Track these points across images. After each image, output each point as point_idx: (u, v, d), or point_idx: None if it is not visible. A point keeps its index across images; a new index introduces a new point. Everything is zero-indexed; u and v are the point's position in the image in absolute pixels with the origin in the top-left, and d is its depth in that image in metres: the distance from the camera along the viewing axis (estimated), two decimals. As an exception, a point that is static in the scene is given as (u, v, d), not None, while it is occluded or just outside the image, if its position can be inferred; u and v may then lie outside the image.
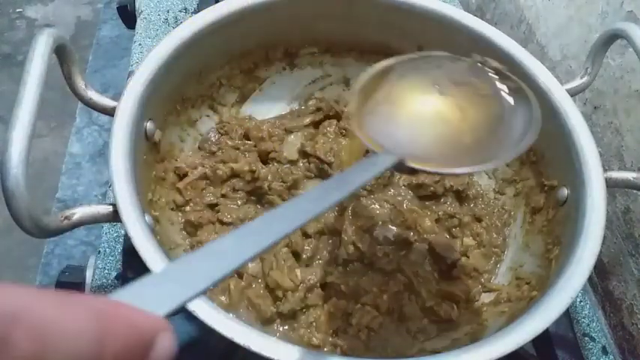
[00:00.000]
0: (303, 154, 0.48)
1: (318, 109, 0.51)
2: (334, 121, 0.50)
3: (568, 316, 0.43)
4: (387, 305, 0.40)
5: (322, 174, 0.47)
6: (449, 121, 0.35)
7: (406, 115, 0.35)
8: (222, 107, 0.49)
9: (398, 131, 0.34)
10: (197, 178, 0.44)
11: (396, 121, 0.35)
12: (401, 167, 0.31)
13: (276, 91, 0.51)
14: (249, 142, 0.47)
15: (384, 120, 0.35)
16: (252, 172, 0.44)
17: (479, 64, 0.37)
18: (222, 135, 0.48)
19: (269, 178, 0.45)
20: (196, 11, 0.62)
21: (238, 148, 0.47)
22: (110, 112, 0.37)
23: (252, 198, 0.45)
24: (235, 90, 0.49)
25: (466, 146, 0.34)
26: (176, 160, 0.44)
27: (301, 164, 0.47)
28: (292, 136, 0.49)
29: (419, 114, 0.36)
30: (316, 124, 0.51)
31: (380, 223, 0.45)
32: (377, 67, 0.36)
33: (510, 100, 0.35)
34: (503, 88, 0.36)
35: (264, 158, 0.47)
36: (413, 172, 0.33)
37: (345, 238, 0.43)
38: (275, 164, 0.47)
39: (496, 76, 0.36)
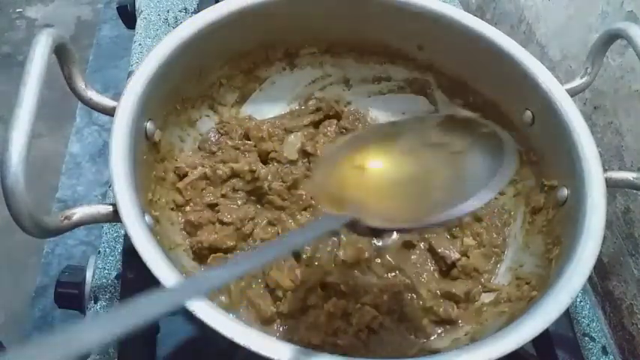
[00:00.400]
0: (304, 153, 0.48)
1: (318, 109, 0.51)
2: (334, 121, 0.50)
3: (568, 316, 0.43)
4: (387, 305, 0.40)
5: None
6: (418, 181, 0.35)
7: (370, 179, 0.35)
8: (222, 107, 0.49)
9: (361, 194, 0.34)
10: (197, 178, 0.44)
11: (360, 185, 0.35)
12: (358, 228, 0.32)
13: (276, 91, 0.51)
14: (249, 142, 0.47)
15: (347, 184, 0.35)
16: (253, 172, 0.44)
17: (449, 118, 0.37)
18: (222, 135, 0.48)
19: (269, 178, 0.45)
20: (196, 11, 0.62)
21: (238, 148, 0.47)
22: (110, 112, 0.37)
23: (252, 198, 0.45)
24: (235, 90, 0.49)
25: (437, 201, 0.33)
26: (176, 160, 0.44)
27: (301, 164, 0.47)
28: (292, 136, 0.49)
29: (385, 177, 0.35)
30: (316, 124, 0.51)
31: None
32: (345, 138, 0.37)
33: (485, 147, 0.34)
34: (475, 137, 0.35)
35: (264, 158, 0.47)
36: (376, 232, 0.33)
37: (345, 238, 0.43)
38: (275, 164, 0.47)
39: (468, 126, 0.36)
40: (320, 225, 0.32)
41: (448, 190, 0.34)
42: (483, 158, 0.34)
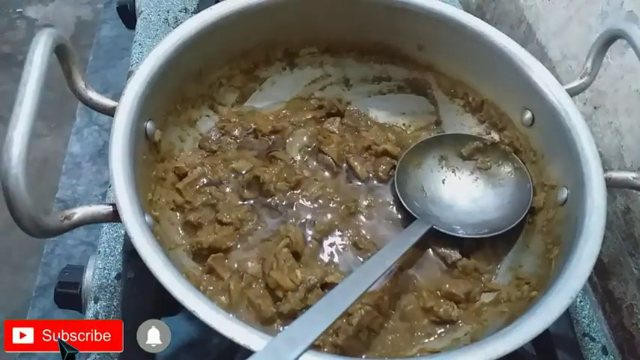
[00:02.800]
0: (307, 151, 0.48)
1: (320, 107, 0.51)
2: (337, 119, 0.50)
3: (568, 316, 0.43)
4: (388, 305, 0.40)
5: (327, 171, 0.47)
6: (472, 202, 0.46)
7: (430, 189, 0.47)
8: (222, 107, 0.49)
9: (426, 202, 0.46)
10: (197, 178, 0.44)
11: (424, 194, 0.46)
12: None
13: (276, 91, 0.51)
14: (250, 140, 0.47)
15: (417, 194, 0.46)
16: (257, 177, 0.44)
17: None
18: (222, 135, 0.48)
19: (273, 179, 0.45)
20: (196, 11, 0.61)
21: (239, 148, 0.47)
22: (110, 112, 0.37)
23: (251, 201, 0.45)
24: (235, 90, 0.49)
25: (482, 220, 0.44)
26: (176, 160, 0.44)
27: (305, 163, 0.47)
28: (296, 134, 0.49)
29: (439, 188, 0.47)
30: (318, 120, 0.51)
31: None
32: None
33: (506, 172, 0.46)
34: (511, 169, 0.46)
35: (267, 156, 0.47)
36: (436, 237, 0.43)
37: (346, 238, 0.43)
38: (278, 162, 0.47)
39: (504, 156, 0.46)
40: (409, 235, 0.40)
41: (488, 212, 0.45)
42: (512, 190, 0.45)
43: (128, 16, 0.64)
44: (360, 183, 0.47)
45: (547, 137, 0.43)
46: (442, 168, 0.48)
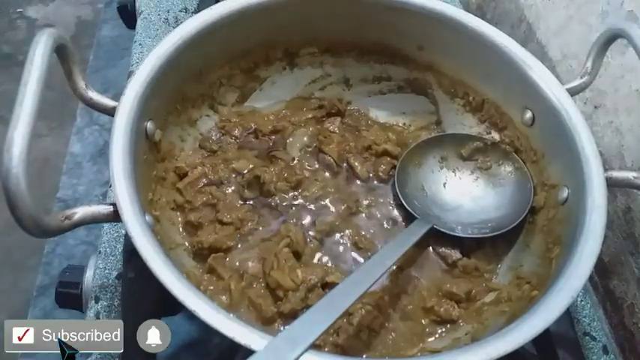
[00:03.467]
0: (308, 151, 0.48)
1: (321, 107, 0.51)
2: (338, 118, 0.50)
3: (569, 316, 0.43)
4: (388, 305, 0.40)
5: (328, 171, 0.47)
6: (472, 202, 0.46)
7: (431, 189, 0.47)
8: (222, 107, 0.49)
9: (427, 202, 0.46)
10: (197, 178, 0.44)
11: (424, 193, 0.46)
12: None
13: (276, 91, 0.51)
14: (250, 140, 0.47)
15: (418, 194, 0.46)
16: (257, 177, 0.44)
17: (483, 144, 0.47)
18: (223, 134, 0.48)
19: (274, 179, 0.45)
20: (196, 11, 0.61)
21: (239, 147, 0.47)
22: (110, 112, 0.37)
23: (251, 202, 0.45)
24: (235, 90, 0.49)
25: (482, 220, 0.44)
26: (176, 160, 0.44)
27: (306, 162, 0.47)
28: (297, 134, 0.49)
29: (440, 188, 0.47)
30: (319, 120, 0.51)
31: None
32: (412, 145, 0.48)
33: (507, 172, 0.46)
34: (512, 169, 0.46)
35: (267, 156, 0.47)
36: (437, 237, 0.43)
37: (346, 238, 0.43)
38: (279, 162, 0.47)
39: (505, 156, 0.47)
40: (409, 235, 0.40)
41: (488, 212, 0.45)
42: (512, 190, 0.45)
43: (128, 16, 0.64)
44: (360, 183, 0.47)
45: (547, 137, 0.43)
46: (442, 168, 0.48)
